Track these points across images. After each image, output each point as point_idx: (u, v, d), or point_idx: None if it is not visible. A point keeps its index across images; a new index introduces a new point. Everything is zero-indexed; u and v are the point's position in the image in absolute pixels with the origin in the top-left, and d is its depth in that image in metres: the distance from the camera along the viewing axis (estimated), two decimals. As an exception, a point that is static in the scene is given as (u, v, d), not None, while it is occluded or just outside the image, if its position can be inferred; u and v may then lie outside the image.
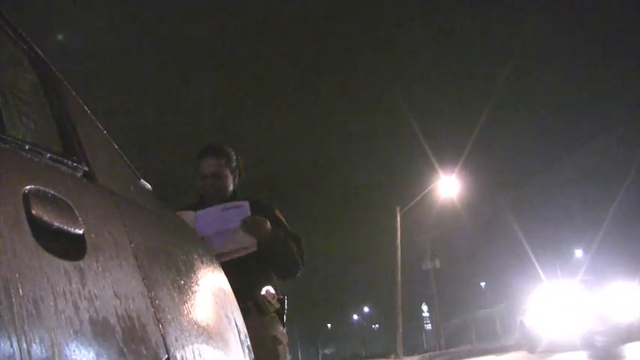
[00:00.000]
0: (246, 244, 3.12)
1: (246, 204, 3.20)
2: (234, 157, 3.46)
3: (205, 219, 3.09)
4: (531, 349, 17.21)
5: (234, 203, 3.23)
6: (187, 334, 1.52)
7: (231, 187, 3.42)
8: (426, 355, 29.07)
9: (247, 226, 3.09)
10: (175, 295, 1.56)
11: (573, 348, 14.75)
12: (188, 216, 2.98)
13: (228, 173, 3.41)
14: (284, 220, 3.42)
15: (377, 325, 74.03)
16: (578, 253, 54.78)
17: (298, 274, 3.42)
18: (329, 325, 72.10)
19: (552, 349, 15.89)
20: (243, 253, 3.11)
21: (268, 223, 3.17)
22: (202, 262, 1.99)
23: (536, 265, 22.86)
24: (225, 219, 3.12)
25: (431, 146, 28.23)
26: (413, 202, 27.24)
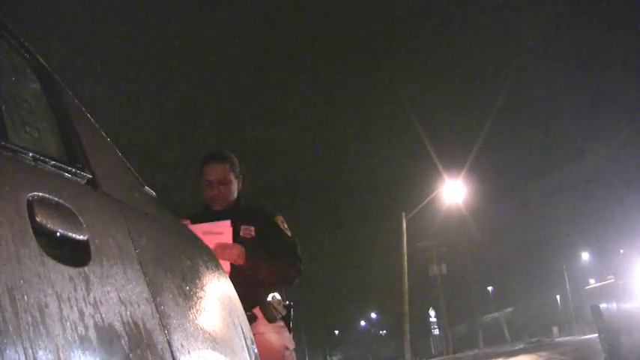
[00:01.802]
0: None
1: (227, 228, 3.15)
2: (238, 163, 3.46)
3: None
4: (614, 348, 11.66)
5: (216, 227, 3.17)
6: (193, 340, 1.51)
7: (235, 193, 3.42)
8: (434, 359, 29.00)
9: (216, 252, 3.04)
10: (181, 301, 1.56)
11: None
12: None
13: (233, 178, 3.40)
14: (283, 228, 3.41)
15: (384, 331, 73.89)
16: (585, 255, 54.67)
17: (293, 283, 3.40)
18: (336, 332, 71.98)
19: None
20: None
21: (239, 248, 3.14)
22: (207, 269, 1.99)
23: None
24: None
25: (436, 151, 28.22)
26: (418, 208, 27.18)
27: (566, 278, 51.67)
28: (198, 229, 3.08)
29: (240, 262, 3.12)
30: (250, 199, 3.64)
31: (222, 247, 3.08)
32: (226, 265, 3.04)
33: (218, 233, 3.13)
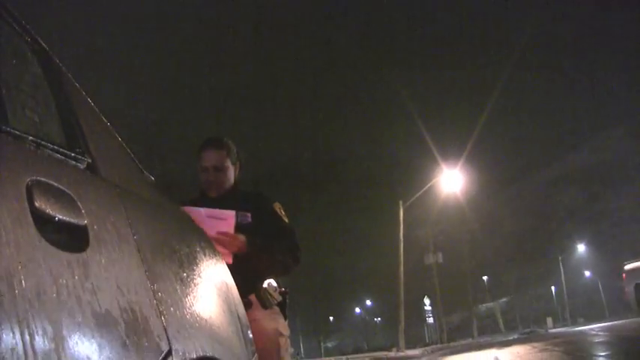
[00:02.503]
0: None
1: (231, 218, 3.13)
2: (235, 150, 3.45)
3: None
4: None
5: (221, 213, 3.14)
6: (189, 327, 1.52)
7: (232, 180, 3.42)
8: (428, 348, 29.12)
9: (219, 242, 3.01)
10: (178, 287, 1.57)
11: None
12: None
13: (230, 165, 3.39)
14: (281, 215, 3.40)
15: (379, 319, 74.15)
16: (580, 247, 54.81)
17: (290, 271, 3.40)
18: (331, 318, 72.18)
19: None
20: None
21: (241, 238, 3.12)
22: (205, 255, 1.99)
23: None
24: (206, 227, 3.00)
25: (434, 140, 28.27)
26: (415, 196, 27.21)
27: (562, 269, 51.89)
28: (202, 211, 3.07)
29: (243, 250, 3.11)
30: (248, 186, 3.63)
31: (225, 237, 3.06)
32: (229, 255, 3.03)
33: (222, 219, 3.12)
